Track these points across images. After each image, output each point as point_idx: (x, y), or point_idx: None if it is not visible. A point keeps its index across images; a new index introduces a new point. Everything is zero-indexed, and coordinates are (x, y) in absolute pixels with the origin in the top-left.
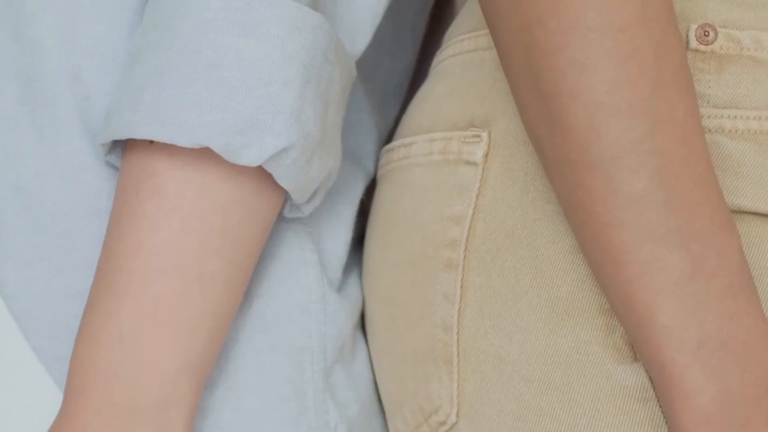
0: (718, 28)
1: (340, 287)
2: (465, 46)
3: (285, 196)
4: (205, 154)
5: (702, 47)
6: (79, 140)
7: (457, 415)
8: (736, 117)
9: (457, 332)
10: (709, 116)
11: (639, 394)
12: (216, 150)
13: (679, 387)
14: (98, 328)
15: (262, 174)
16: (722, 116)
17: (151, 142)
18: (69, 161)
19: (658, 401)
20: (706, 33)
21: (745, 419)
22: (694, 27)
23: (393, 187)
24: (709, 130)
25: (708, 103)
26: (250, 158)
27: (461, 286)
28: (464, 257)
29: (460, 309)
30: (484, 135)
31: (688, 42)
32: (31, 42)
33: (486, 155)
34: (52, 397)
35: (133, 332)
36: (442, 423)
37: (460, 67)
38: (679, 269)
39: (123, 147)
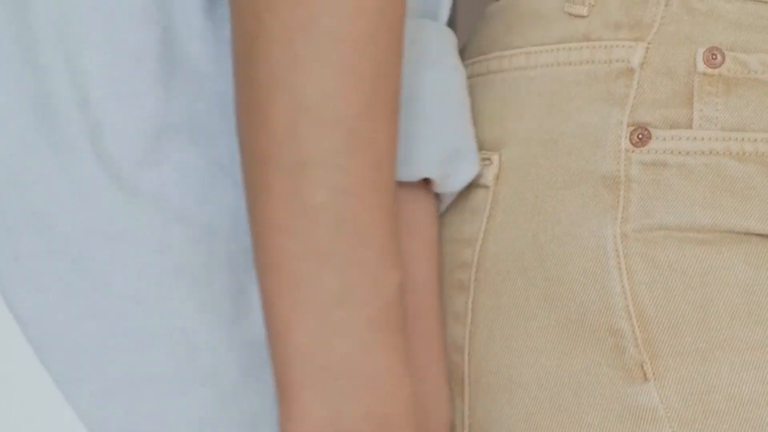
0: (725, 52)
1: None
2: (474, 70)
3: None
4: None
5: (709, 70)
6: (93, 165)
7: None
8: (743, 140)
9: (468, 353)
10: (717, 139)
11: (649, 414)
12: (436, 180)
13: (292, 406)
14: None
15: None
16: (730, 139)
17: None
18: (84, 186)
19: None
20: (714, 56)
21: None
22: (701, 50)
23: None
24: (717, 153)
25: (715, 125)
26: (452, 186)
27: (472, 308)
28: (475, 279)
29: (470, 330)
30: (495, 158)
31: (695, 65)
32: (43, 69)
33: (497, 178)
34: (69, 421)
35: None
36: None
37: (470, 90)
38: (330, 292)
39: None
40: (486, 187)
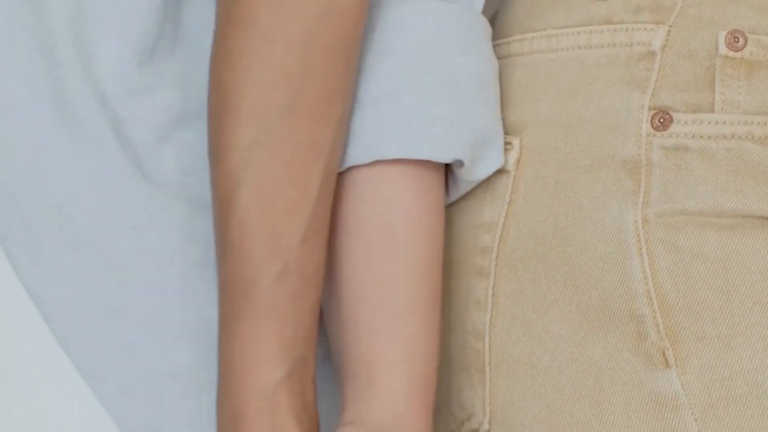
0: (747, 35)
1: None
2: (495, 53)
3: None
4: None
5: (731, 54)
6: (114, 156)
7: (490, 422)
8: (766, 123)
9: (489, 340)
10: (739, 123)
11: (671, 401)
12: (465, 164)
13: None
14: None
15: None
16: (752, 123)
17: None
18: (104, 179)
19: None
20: (736, 39)
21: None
22: (723, 33)
23: None
24: (739, 137)
25: (738, 109)
26: (477, 174)
27: (493, 294)
28: (495, 264)
29: (491, 316)
30: (516, 142)
31: (717, 49)
32: (60, 63)
33: (517, 162)
34: (95, 415)
35: (412, 348)
36: (475, 431)
37: None
38: (221, 283)
39: None
40: (506, 171)
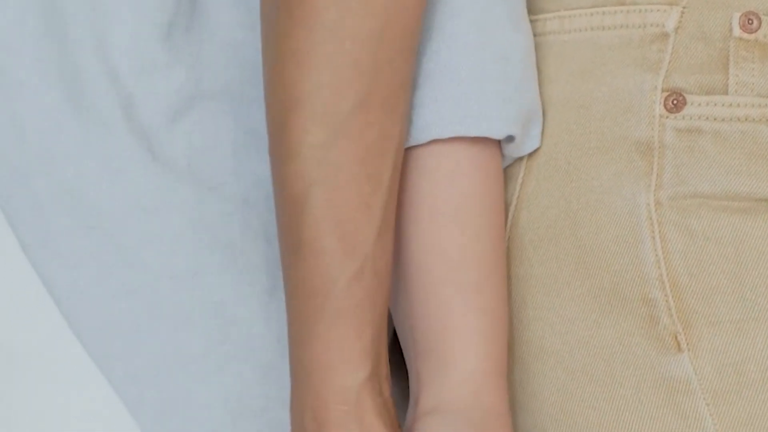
0: (761, 16)
1: None
2: None
3: None
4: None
5: (746, 35)
6: (124, 138)
7: None
8: None
9: None
10: (753, 105)
11: (683, 386)
12: (516, 139)
13: None
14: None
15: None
16: (766, 105)
17: None
18: (114, 160)
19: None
20: (750, 21)
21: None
22: (737, 15)
23: None
24: (753, 120)
25: (752, 91)
26: (526, 148)
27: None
28: (507, 247)
29: None
30: None
31: (731, 30)
32: (72, 44)
33: None
34: (105, 395)
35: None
36: None
37: None
38: (294, 283)
39: None
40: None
